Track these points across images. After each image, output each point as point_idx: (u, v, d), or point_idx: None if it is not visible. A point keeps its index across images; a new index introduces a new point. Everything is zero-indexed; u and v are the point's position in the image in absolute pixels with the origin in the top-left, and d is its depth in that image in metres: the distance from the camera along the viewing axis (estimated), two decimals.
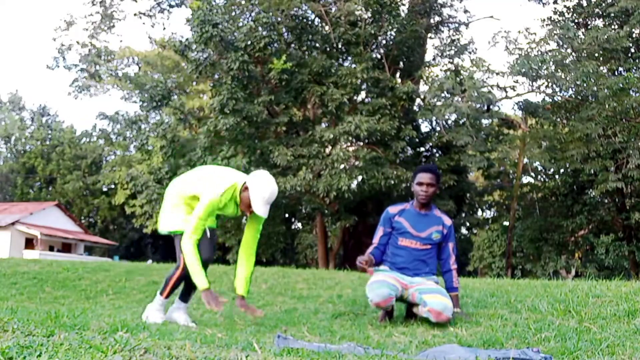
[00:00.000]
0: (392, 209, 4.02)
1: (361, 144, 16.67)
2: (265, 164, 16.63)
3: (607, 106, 15.28)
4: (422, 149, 19.99)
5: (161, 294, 3.96)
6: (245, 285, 4.01)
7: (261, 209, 3.62)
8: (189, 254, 3.69)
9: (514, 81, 17.65)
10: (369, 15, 16.85)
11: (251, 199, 3.64)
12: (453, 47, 19.64)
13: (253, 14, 17.75)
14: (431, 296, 3.67)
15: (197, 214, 3.70)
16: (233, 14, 18.01)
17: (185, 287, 4.06)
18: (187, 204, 3.92)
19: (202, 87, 27.72)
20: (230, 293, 6.13)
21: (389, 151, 16.41)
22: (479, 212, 29.84)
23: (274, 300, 5.58)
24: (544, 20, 18.16)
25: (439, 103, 16.98)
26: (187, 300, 4.09)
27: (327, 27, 17.29)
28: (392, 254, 3.95)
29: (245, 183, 3.72)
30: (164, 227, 3.99)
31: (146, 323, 3.52)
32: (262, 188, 3.63)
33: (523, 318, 3.50)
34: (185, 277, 3.89)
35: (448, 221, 4.02)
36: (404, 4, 18.33)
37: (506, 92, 17.91)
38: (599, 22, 17.77)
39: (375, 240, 4.04)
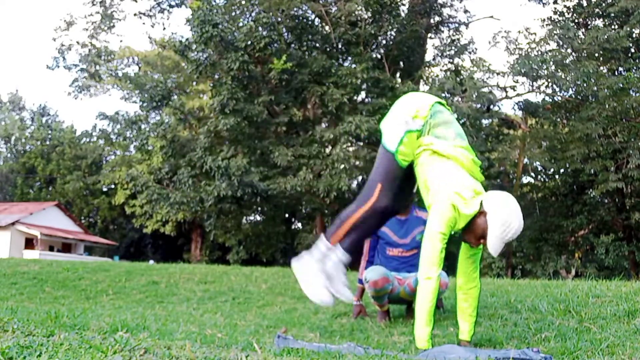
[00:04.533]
0: None
1: (361, 144, 16.68)
2: (265, 164, 16.63)
3: (607, 106, 15.29)
4: None
5: (328, 238, 2.89)
6: (471, 328, 2.88)
7: (496, 248, 2.62)
8: (425, 293, 2.64)
9: (514, 81, 17.67)
10: (369, 15, 16.85)
11: (489, 233, 2.62)
12: (453, 47, 19.65)
13: (253, 14, 17.76)
14: None
15: (438, 227, 2.66)
16: (233, 14, 18.03)
17: (356, 238, 2.94)
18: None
19: (202, 87, 27.70)
20: (230, 293, 6.13)
21: None
22: None
23: (274, 300, 5.58)
24: (544, 20, 18.17)
25: None
26: (350, 252, 2.91)
27: (327, 27, 17.30)
28: (383, 264, 4.04)
29: (481, 205, 2.68)
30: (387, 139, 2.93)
31: (308, 295, 2.80)
32: (508, 224, 2.60)
33: (523, 318, 3.50)
34: (366, 219, 2.87)
35: None
36: (404, 4, 18.35)
37: (506, 92, 17.92)
38: (599, 22, 17.77)
39: (366, 251, 4.16)
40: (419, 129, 2.84)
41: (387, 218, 3.01)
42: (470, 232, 2.72)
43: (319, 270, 2.84)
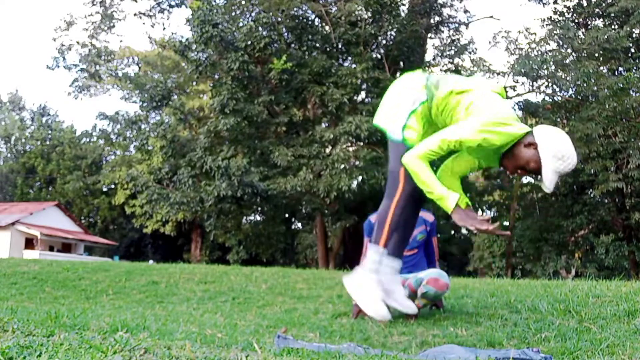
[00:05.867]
0: (374, 218, 4.00)
1: (361, 144, 16.68)
2: (265, 164, 16.64)
3: (607, 106, 15.29)
4: None
5: (376, 242, 2.75)
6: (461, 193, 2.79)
7: (551, 181, 2.52)
8: (417, 169, 2.57)
9: (514, 81, 17.70)
10: (369, 15, 16.85)
11: (544, 165, 2.51)
12: (453, 47, 19.65)
13: (253, 14, 17.77)
14: (425, 272, 3.87)
15: (455, 133, 2.53)
16: (233, 14, 18.03)
17: (400, 237, 2.80)
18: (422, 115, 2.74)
19: (202, 87, 27.71)
20: (230, 293, 6.13)
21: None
22: (479, 212, 29.75)
23: (274, 300, 5.58)
24: (544, 20, 18.17)
25: None
26: (399, 256, 2.80)
27: (327, 27, 17.31)
28: None
29: (530, 137, 2.56)
30: (379, 120, 2.84)
31: (366, 311, 2.66)
32: (566, 156, 2.50)
33: (523, 318, 3.50)
34: (403, 209, 2.73)
35: (430, 218, 4.13)
36: (404, 4, 18.35)
37: (506, 92, 17.90)
38: (599, 22, 17.78)
39: (365, 251, 4.11)
40: (424, 100, 2.73)
41: (422, 201, 2.84)
42: (511, 160, 2.62)
43: (376, 283, 2.69)
